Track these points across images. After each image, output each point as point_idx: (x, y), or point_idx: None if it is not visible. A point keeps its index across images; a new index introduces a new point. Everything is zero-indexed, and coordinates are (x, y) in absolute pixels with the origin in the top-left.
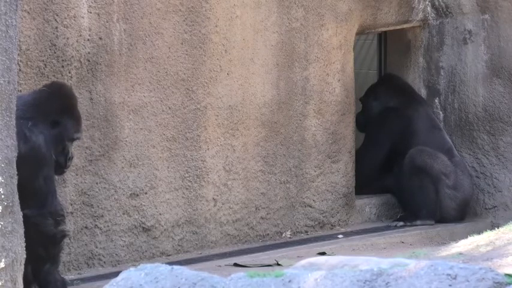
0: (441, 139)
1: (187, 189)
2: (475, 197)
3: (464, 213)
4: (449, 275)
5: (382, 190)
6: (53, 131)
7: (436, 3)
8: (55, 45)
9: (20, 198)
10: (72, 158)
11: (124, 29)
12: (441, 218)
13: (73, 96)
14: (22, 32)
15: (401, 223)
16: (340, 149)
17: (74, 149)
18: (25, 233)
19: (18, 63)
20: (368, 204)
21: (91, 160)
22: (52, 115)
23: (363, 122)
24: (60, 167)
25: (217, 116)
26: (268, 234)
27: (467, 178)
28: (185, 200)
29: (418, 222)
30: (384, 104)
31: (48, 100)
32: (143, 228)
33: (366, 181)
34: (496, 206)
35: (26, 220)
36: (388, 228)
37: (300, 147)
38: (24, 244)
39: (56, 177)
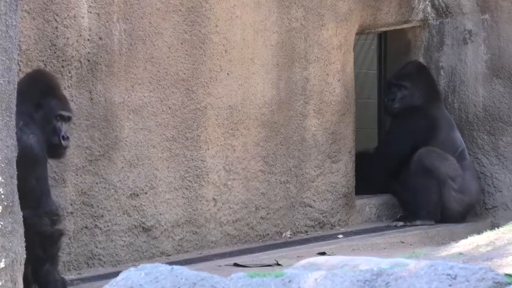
0: (456, 141)
1: (187, 189)
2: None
3: (467, 215)
4: (449, 275)
5: (390, 191)
6: (37, 115)
7: (436, 3)
8: (55, 45)
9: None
10: (68, 137)
11: (124, 29)
12: (445, 220)
13: (53, 78)
14: (22, 32)
15: (401, 223)
16: (340, 149)
17: (75, 149)
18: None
19: (18, 63)
20: (368, 204)
21: (91, 160)
22: (34, 99)
23: (399, 108)
24: (58, 148)
25: (217, 116)
26: (268, 234)
27: (475, 182)
28: (185, 200)
29: (418, 222)
30: (422, 97)
31: (29, 86)
32: (143, 228)
33: (379, 181)
34: (496, 206)
35: (23, 221)
36: (388, 228)
37: (300, 147)
38: (24, 244)
39: (50, 177)
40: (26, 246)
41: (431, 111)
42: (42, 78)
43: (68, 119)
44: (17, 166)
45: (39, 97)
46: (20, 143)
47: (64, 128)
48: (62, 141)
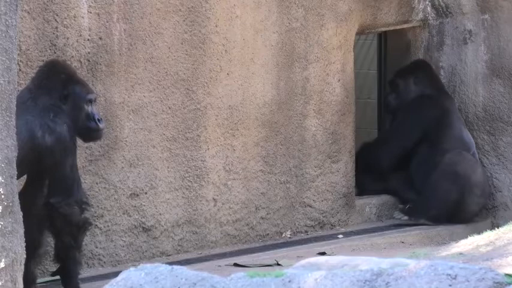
0: (469, 139)
1: (187, 189)
2: None
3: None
4: (449, 275)
5: (386, 189)
6: (66, 105)
7: (436, 3)
8: (55, 45)
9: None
10: (102, 119)
11: (124, 29)
12: (462, 221)
13: (68, 65)
14: (22, 32)
15: (405, 217)
16: (340, 149)
17: None
18: (51, 222)
19: (18, 63)
20: (368, 204)
21: (91, 160)
22: (58, 91)
23: (395, 104)
24: (96, 132)
25: (217, 116)
26: (268, 234)
27: (487, 182)
28: (185, 200)
29: (422, 221)
30: (422, 90)
31: (49, 79)
32: (143, 228)
33: (385, 167)
34: (496, 206)
35: (53, 209)
36: (388, 228)
37: (300, 147)
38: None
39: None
40: (53, 233)
41: (443, 101)
42: (58, 68)
43: (95, 101)
44: (52, 155)
45: (63, 88)
46: (55, 134)
47: (94, 110)
48: (99, 124)
